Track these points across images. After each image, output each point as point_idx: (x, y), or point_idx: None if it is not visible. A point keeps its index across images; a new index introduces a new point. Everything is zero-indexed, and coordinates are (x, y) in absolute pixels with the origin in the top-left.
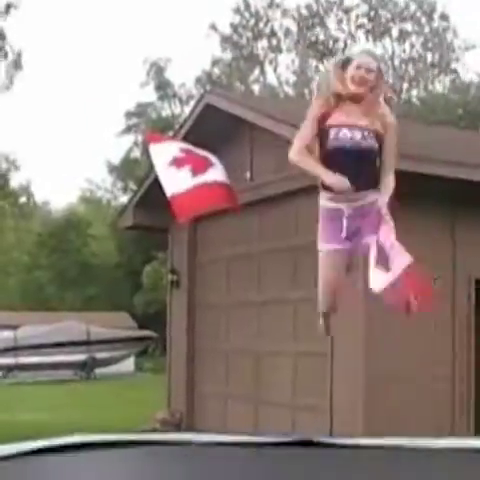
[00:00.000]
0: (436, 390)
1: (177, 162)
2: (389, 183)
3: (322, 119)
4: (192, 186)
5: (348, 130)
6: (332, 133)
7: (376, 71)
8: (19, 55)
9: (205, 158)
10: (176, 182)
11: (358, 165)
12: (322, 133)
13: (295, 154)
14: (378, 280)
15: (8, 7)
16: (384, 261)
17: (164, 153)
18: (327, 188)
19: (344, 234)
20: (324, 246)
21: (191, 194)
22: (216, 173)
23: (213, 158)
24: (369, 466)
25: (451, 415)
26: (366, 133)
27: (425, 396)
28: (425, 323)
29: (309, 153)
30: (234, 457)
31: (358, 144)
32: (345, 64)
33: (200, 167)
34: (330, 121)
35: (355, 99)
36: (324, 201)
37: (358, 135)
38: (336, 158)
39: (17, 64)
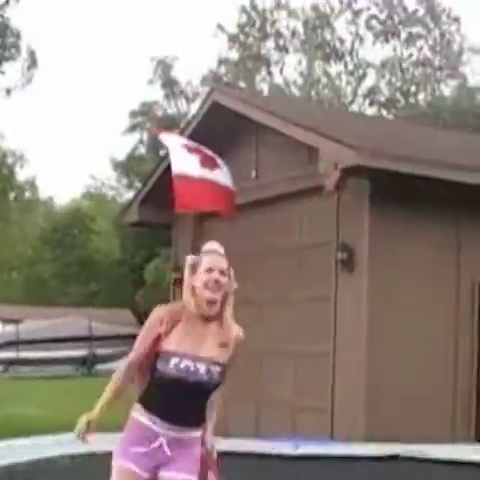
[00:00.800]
0: (438, 391)
1: (188, 148)
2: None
3: (157, 337)
4: (198, 177)
5: (191, 362)
6: (172, 362)
7: (228, 273)
8: (33, 53)
9: (213, 158)
10: (184, 163)
11: (193, 401)
12: (156, 355)
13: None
14: None
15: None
16: None
17: (175, 139)
18: (147, 407)
19: (149, 462)
20: (119, 460)
21: (196, 187)
22: (222, 176)
23: (220, 161)
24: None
25: (453, 415)
26: (212, 367)
27: (427, 397)
28: (429, 326)
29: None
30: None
31: (200, 380)
32: (194, 267)
33: (208, 163)
34: (169, 345)
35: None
36: (138, 414)
37: (202, 369)
38: (169, 390)
39: (33, 62)
